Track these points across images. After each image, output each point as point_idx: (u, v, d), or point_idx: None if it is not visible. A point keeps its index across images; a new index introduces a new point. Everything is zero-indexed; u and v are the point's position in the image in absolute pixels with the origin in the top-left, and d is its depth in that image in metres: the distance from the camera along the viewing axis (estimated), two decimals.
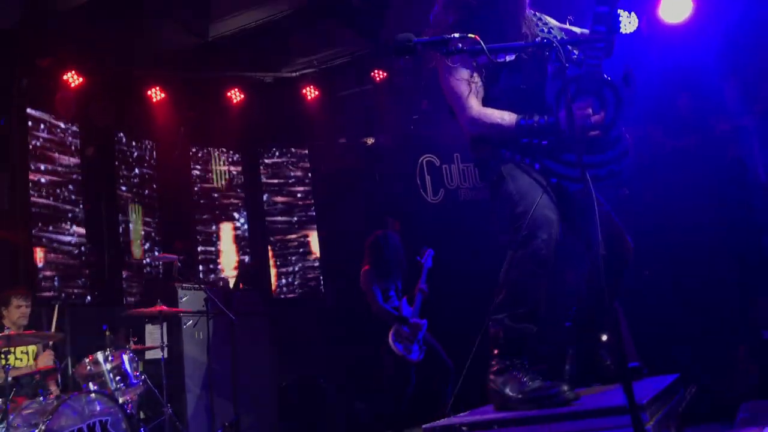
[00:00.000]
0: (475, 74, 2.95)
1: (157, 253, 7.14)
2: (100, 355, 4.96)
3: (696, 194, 6.63)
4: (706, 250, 6.47)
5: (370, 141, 8.95)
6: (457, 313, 7.02)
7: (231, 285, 7.77)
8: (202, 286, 6.17)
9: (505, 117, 2.86)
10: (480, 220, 8.06)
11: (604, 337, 2.98)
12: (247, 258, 8.20)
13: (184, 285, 6.00)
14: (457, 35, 2.44)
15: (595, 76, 2.80)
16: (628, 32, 6.71)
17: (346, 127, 8.46)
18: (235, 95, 7.87)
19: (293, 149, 8.85)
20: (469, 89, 2.95)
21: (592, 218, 2.33)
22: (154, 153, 7.95)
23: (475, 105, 2.93)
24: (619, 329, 2.15)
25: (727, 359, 5.85)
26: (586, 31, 3.04)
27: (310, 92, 7.94)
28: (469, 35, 2.41)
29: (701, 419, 3.94)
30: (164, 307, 5.26)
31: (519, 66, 2.93)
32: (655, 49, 6.80)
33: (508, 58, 2.63)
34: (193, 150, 8.24)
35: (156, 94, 7.51)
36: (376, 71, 7.79)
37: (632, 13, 6.64)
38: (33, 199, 6.46)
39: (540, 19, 3.12)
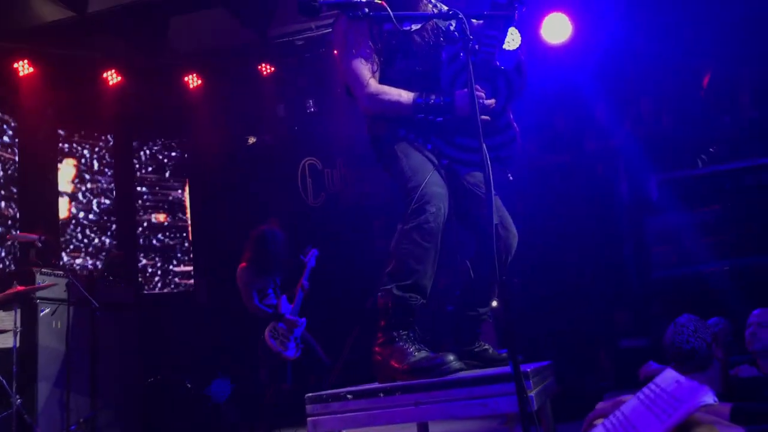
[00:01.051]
0: (374, 55, 2.95)
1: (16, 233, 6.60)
2: None
3: (567, 208, 6.95)
4: (576, 262, 6.80)
5: (252, 140, 8.77)
6: (335, 314, 6.98)
7: (96, 274, 7.31)
8: (64, 271, 5.73)
9: (403, 94, 2.87)
10: (360, 224, 8.09)
11: (494, 304, 3.04)
12: (114, 247, 7.76)
13: (43, 269, 5.55)
14: (363, 0, 2.42)
15: (489, 63, 2.87)
16: (511, 48, 6.97)
17: (228, 121, 8.23)
18: (112, 77, 7.47)
19: (171, 142, 8.51)
20: (368, 68, 2.94)
21: (488, 196, 2.36)
22: (16, 130, 7.38)
23: (373, 83, 2.93)
24: (507, 305, 2.16)
25: (589, 362, 6.14)
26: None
27: (193, 80, 7.67)
28: (376, 1, 2.39)
29: (568, 411, 4.08)
30: (20, 288, 4.84)
31: (414, 51, 2.96)
32: (534, 66, 7.09)
33: (413, 27, 2.62)
34: (62, 133, 7.73)
35: (24, 67, 7.00)
36: (263, 65, 7.64)
37: (516, 30, 6.90)
38: None
39: (435, 6, 3.17)
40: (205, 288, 8.29)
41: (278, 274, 5.89)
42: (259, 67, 7.66)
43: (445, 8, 3.16)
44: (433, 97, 2.84)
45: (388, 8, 2.41)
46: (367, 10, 2.44)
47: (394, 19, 2.41)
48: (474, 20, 2.88)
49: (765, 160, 6.40)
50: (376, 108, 2.92)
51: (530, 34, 6.92)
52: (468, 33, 2.39)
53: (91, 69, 7.42)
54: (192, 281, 8.47)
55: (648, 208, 6.74)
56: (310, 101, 8.14)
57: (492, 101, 2.87)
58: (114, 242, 7.95)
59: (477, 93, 2.66)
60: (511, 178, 3.04)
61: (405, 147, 2.92)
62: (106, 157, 8.09)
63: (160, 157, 8.48)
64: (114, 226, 8.04)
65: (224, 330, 7.54)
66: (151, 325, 7.24)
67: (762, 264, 6.04)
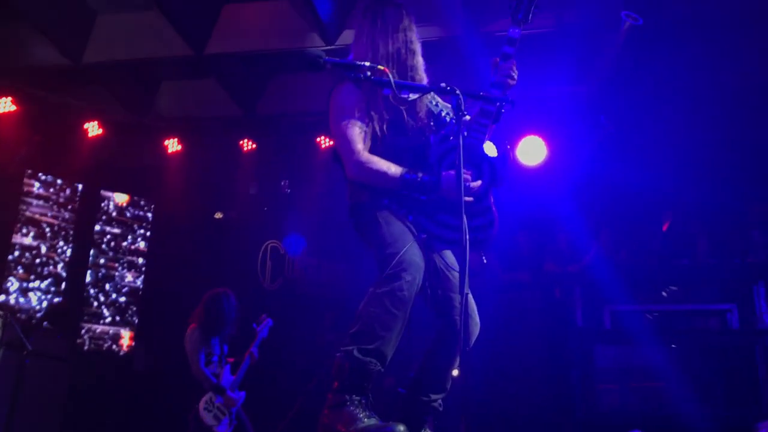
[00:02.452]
0: (368, 125, 3.01)
1: None
2: None
3: (521, 325, 6.98)
4: (527, 378, 6.75)
5: (219, 215, 8.75)
6: (273, 395, 6.76)
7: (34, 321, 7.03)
8: (3, 310, 5.51)
9: (392, 168, 2.92)
10: (312, 314, 7.98)
11: (455, 372, 2.98)
12: (60, 297, 7.50)
13: None
14: (367, 63, 2.51)
15: (476, 149, 2.99)
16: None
17: (200, 190, 8.22)
18: (93, 128, 7.48)
19: (141, 200, 8.44)
20: (360, 136, 2.99)
21: (462, 277, 2.39)
22: None
23: (364, 151, 2.97)
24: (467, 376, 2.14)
25: None
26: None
27: (173, 145, 7.71)
28: (379, 66, 2.49)
29: None
30: None
31: (406, 128, 3.05)
32: (508, 185, 7.30)
33: (411, 96, 2.71)
34: (29, 172, 7.63)
35: (5, 104, 6.98)
36: (245, 141, 7.74)
37: (493, 146, 7.14)
38: None
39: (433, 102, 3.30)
40: (143, 354, 8.00)
41: (226, 339, 5.75)
42: (241, 142, 7.75)
43: (440, 100, 3.29)
44: (421, 174, 2.90)
45: (390, 75, 2.50)
46: (369, 73, 2.52)
47: (393, 86, 2.49)
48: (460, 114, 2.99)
49: (718, 305, 6.57)
50: (363, 176, 2.95)
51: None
52: (463, 109, 2.48)
53: (75, 117, 7.44)
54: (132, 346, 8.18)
55: (600, 338, 6.79)
56: (285, 182, 8.20)
57: (478, 183, 2.97)
58: (62, 288, 7.71)
59: (463, 175, 2.76)
60: (485, 260, 3.08)
61: (387, 215, 2.95)
62: (71, 203, 7.97)
63: (128, 214, 8.39)
64: (65, 274, 7.82)
65: (157, 398, 7.22)
66: (83, 383, 6.91)
67: (708, 409, 6.07)
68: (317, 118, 7.38)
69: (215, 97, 7.22)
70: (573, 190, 6.93)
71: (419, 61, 3.12)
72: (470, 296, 3.03)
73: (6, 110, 7.03)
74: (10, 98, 7.03)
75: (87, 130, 7.49)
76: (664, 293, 7.01)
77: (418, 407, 3.00)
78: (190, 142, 7.84)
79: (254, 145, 7.77)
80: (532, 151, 7.12)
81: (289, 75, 7.19)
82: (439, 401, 3.03)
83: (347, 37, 6.08)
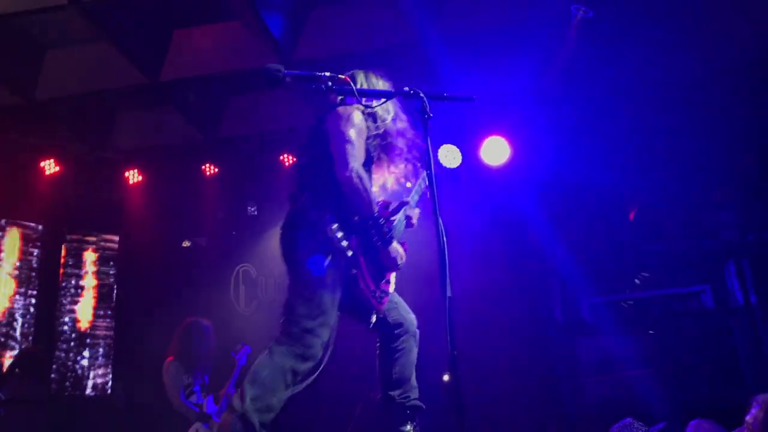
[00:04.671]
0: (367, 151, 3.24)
1: None
2: None
3: (504, 325, 6.99)
4: (514, 377, 6.76)
5: (187, 244, 8.62)
6: None
7: (5, 369, 6.81)
8: None
9: (373, 198, 3.15)
10: None
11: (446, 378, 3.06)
12: (30, 341, 7.29)
13: None
14: (327, 74, 2.47)
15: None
16: (452, 167, 7.21)
17: (165, 219, 8.08)
18: (50, 166, 7.32)
19: (103, 235, 8.26)
20: (362, 143, 3.16)
21: (443, 280, 2.42)
22: None
23: (359, 163, 3.12)
24: (458, 378, 2.12)
25: None
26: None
27: (134, 176, 7.58)
28: (340, 76, 2.46)
29: None
30: None
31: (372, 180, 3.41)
32: (475, 186, 7.34)
33: (375, 103, 2.69)
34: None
35: None
36: (207, 165, 7.64)
37: (458, 149, 7.16)
38: None
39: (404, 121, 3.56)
40: (122, 392, 7.81)
41: (206, 369, 5.64)
42: (203, 167, 7.65)
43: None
44: (383, 221, 3.18)
45: (352, 83, 2.48)
46: (330, 83, 2.50)
47: (356, 94, 2.46)
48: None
49: (692, 288, 6.65)
50: (352, 185, 3.06)
51: (471, 155, 7.18)
52: (428, 111, 2.47)
53: (30, 156, 7.26)
54: (109, 385, 7.98)
55: (581, 330, 6.82)
56: (252, 205, 8.11)
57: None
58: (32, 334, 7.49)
59: (402, 250, 3.31)
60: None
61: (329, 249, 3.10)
62: (33, 245, 7.77)
63: (91, 247, 8.20)
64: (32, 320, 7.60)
65: None
66: (63, 426, 6.71)
67: (692, 390, 6.13)
68: (279, 137, 7.33)
69: (174, 124, 7.12)
70: (539, 187, 6.98)
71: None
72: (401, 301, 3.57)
73: None
74: None
75: (44, 168, 7.33)
76: (637, 281, 7.08)
77: (390, 406, 3.36)
78: (152, 172, 7.71)
79: (217, 169, 7.67)
80: (495, 151, 7.15)
81: (248, 95, 7.13)
82: (405, 396, 3.38)
83: (302, 52, 6.05)
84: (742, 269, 6.54)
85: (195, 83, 6.69)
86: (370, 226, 3.11)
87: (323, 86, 2.51)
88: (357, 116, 3.12)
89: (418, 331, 3.65)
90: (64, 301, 7.86)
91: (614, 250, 7.09)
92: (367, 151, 3.23)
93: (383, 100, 2.85)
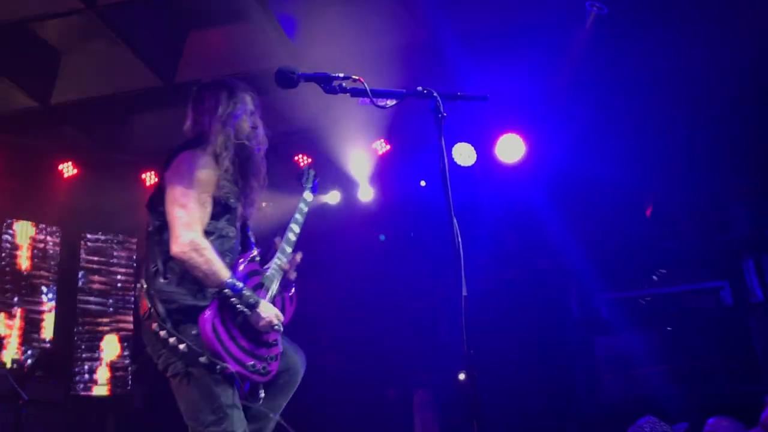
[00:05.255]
0: (210, 198, 2.96)
1: None
2: None
3: (521, 323, 6.98)
4: (525, 377, 6.74)
5: None
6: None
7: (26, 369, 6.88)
8: None
9: (217, 267, 2.84)
10: (308, 335, 7.92)
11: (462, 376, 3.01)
12: (49, 342, 7.36)
13: None
14: (341, 75, 2.48)
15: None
16: (467, 165, 7.20)
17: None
18: (68, 169, 7.39)
19: (121, 236, 8.33)
20: (201, 208, 2.91)
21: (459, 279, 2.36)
22: None
23: (197, 230, 2.87)
24: (474, 377, 2.13)
25: None
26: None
27: (150, 178, 7.63)
28: (353, 76, 2.47)
29: None
30: None
31: (234, 226, 3.07)
32: (490, 184, 7.32)
33: (389, 103, 2.69)
34: (8, 221, 7.50)
35: None
36: None
37: (472, 147, 7.16)
38: None
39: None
40: (141, 393, 7.88)
41: None
42: None
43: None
44: (241, 286, 2.88)
45: (365, 84, 2.48)
46: (344, 84, 2.51)
47: (370, 94, 2.47)
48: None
49: (709, 284, 6.62)
50: (187, 260, 2.83)
51: (485, 153, 7.16)
52: (442, 110, 2.47)
53: (48, 159, 7.34)
54: (129, 385, 8.05)
55: (598, 327, 6.81)
56: (268, 206, 8.13)
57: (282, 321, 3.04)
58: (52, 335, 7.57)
59: (273, 310, 2.96)
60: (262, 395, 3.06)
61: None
62: (52, 247, 7.85)
63: (108, 246, 8.26)
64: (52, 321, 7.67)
65: None
66: (83, 429, 6.78)
67: (710, 387, 6.09)
68: (293, 137, 7.35)
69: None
70: (554, 184, 6.95)
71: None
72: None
73: None
74: None
75: (62, 171, 7.40)
76: (654, 277, 7.05)
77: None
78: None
79: None
80: (510, 148, 7.12)
81: (262, 96, 7.15)
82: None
83: (316, 51, 6.06)
84: (761, 265, 6.49)
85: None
86: (225, 295, 2.81)
87: (336, 87, 2.52)
88: (200, 169, 2.92)
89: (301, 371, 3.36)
90: (83, 302, 7.93)
91: (630, 247, 7.06)
92: (220, 202, 2.98)
93: (395, 101, 2.79)
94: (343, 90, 2.52)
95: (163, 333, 2.79)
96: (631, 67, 6.27)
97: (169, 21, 6.08)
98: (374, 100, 2.55)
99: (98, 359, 7.88)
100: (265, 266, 3.20)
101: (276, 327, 2.95)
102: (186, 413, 2.88)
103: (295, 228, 3.40)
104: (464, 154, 7.16)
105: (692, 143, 6.63)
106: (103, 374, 7.85)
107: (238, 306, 2.82)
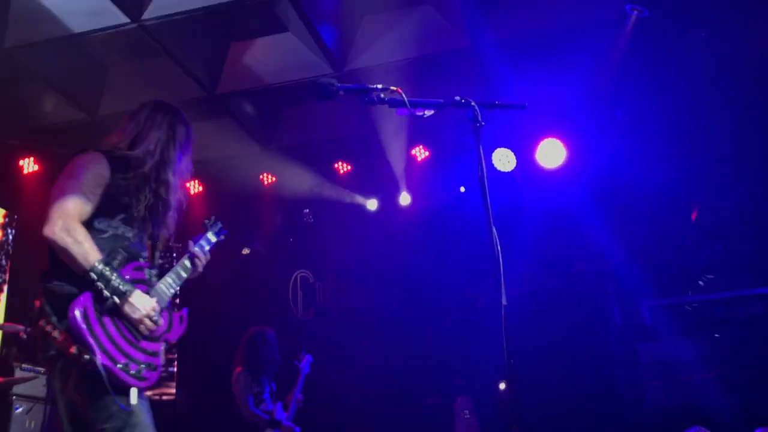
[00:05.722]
0: (98, 192, 2.85)
1: None
2: None
3: (561, 329, 6.92)
4: (565, 384, 6.69)
5: (246, 251, 8.79)
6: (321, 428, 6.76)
7: None
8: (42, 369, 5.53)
9: (88, 249, 2.71)
10: (348, 340, 7.98)
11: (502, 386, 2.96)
12: None
13: (24, 364, 5.37)
14: (380, 86, 2.51)
15: (168, 297, 3.02)
16: (507, 171, 7.18)
17: (225, 228, 8.25)
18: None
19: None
20: (83, 198, 2.79)
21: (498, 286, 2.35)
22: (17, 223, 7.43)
23: (73, 217, 2.75)
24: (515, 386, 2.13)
25: None
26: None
27: (194, 187, 7.78)
28: (391, 87, 2.49)
29: None
30: None
31: (132, 227, 2.95)
32: (530, 190, 7.29)
33: (427, 113, 2.69)
34: None
35: (29, 165, 7.11)
36: (265, 174, 7.79)
37: (512, 153, 7.14)
38: None
39: None
40: (186, 398, 8.02)
41: (272, 376, 5.75)
42: (261, 176, 7.81)
43: None
44: (110, 271, 2.72)
45: (403, 94, 2.50)
46: (382, 95, 2.53)
47: (408, 105, 2.48)
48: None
49: (759, 290, 6.45)
50: (57, 239, 2.70)
51: (525, 158, 7.14)
52: (480, 119, 2.47)
53: None
54: (174, 390, 8.20)
55: (641, 334, 6.70)
56: (309, 213, 8.24)
57: (160, 322, 2.87)
58: None
59: (151, 304, 2.80)
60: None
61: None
62: None
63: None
64: None
65: None
66: None
67: (760, 397, 5.94)
68: (332, 145, 7.43)
69: (232, 135, 7.27)
70: (595, 188, 6.89)
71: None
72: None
73: (30, 170, 7.16)
74: (32, 158, 7.16)
75: None
76: (701, 282, 6.91)
77: None
78: (210, 183, 7.90)
79: (274, 178, 7.82)
80: (551, 153, 7.09)
81: (302, 105, 7.25)
82: None
83: (355, 62, 6.12)
84: None
85: (251, 95, 6.84)
86: (91, 280, 2.66)
87: (375, 98, 2.54)
88: (92, 163, 2.85)
89: None
90: None
91: (675, 252, 6.94)
92: (112, 198, 2.88)
93: (434, 110, 2.79)
94: (382, 101, 2.54)
95: (48, 328, 2.66)
96: (674, 69, 6.19)
97: (211, 33, 6.20)
98: (412, 110, 2.56)
99: None
100: (155, 282, 3.02)
101: (154, 319, 2.79)
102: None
103: (195, 259, 3.24)
104: (504, 159, 7.15)
105: (739, 144, 6.50)
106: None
107: (105, 292, 2.66)
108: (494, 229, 2.45)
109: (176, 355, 8.37)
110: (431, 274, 7.59)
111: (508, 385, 2.29)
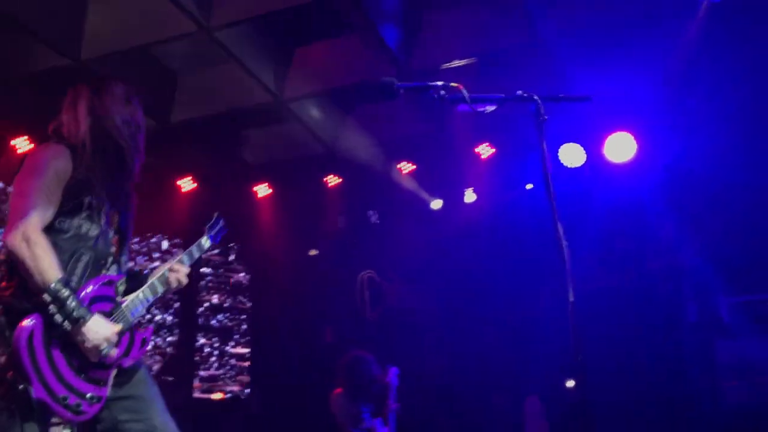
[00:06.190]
0: (59, 190, 2.69)
1: None
2: None
3: (632, 325, 6.75)
4: (642, 379, 6.52)
5: (314, 252, 8.91)
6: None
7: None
8: None
9: (48, 264, 2.52)
10: (416, 339, 7.97)
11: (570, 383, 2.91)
12: (170, 348, 7.80)
13: None
14: (440, 83, 2.49)
15: (129, 320, 2.78)
16: (574, 166, 7.04)
17: (292, 230, 8.41)
18: (186, 184, 7.79)
19: (235, 245, 8.72)
20: (45, 200, 2.62)
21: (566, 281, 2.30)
22: None
23: (34, 222, 2.57)
24: (583, 384, 2.09)
25: None
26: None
27: (263, 190, 7.93)
28: (452, 84, 2.47)
29: None
30: None
31: (96, 223, 2.78)
32: (599, 185, 7.13)
33: (488, 108, 2.65)
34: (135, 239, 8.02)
35: None
36: (329, 176, 7.88)
37: (580, 147, 7.00)
38: None
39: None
40: (259, 396, 8.18)
41: (371, 397, 5.82)
42: (325, 179, 7.90)
43: None
44: (67, 294, 2.50)
45: (463, 90, 2.47)
46: (443, 92, 2.51)
47: (468, 101, 2.45)
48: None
49: None
50: (15, 253, 2.53)
51: (594, 153, 6.98)
52: (543, 113, 2.42)
53: (168, 175, 7.76)
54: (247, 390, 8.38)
55: (719, 331, 6.47)
56: (373, 213, 8.29)
57: (114, 351, 2.62)
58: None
59: (110, 331, 2.57)
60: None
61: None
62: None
63: (224, 260, 8.67)
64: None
65: None
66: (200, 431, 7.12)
67: None
68: (396, 145, 7.45)
69: (298, 138, 7.39)
70: (668, 183, 6.70)
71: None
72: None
73: None
74: None
75: (180, 186, 7.81)
76: None
77: None
78: (278, 185, 8.04)
79: (339, 180, 7.90)
80: (620, 147, 6.92)
81: (366, 106, 7.30)
82: None
83: (418, 60, 6.12)
84: None
85: (316, 97, 6.93)
86: (43, 302, 2.46)
87: (436, 95, 2.52)
88: (50, 159, 2.68)
89: None
90: (202, 312, 8.36)
91: (755, 248, 6.66)
92: (75, 196, 2.70)
93: (495, 105, 2.74)
94: (442, 98, 2.52)
95: None
96: (749, 56, 5.95)
97: (277, 38, 6.31)
98: (473, 106, 2.53)
99: (217, 365, 8.25)
100: (124, 298, 2.81)
101: (104, 351, 2.54)
102: None
103: (172, 275, 2.97)
104: (572, 154, 7.01)
105: None
106: (221, 380, 8.21)
107: (56, 317, 2.44)
108: (560, 225, 2.40)
109: (249, 355, 8.57)
110: (497, 273, 7.52)
111: (576, 383, 2.25)
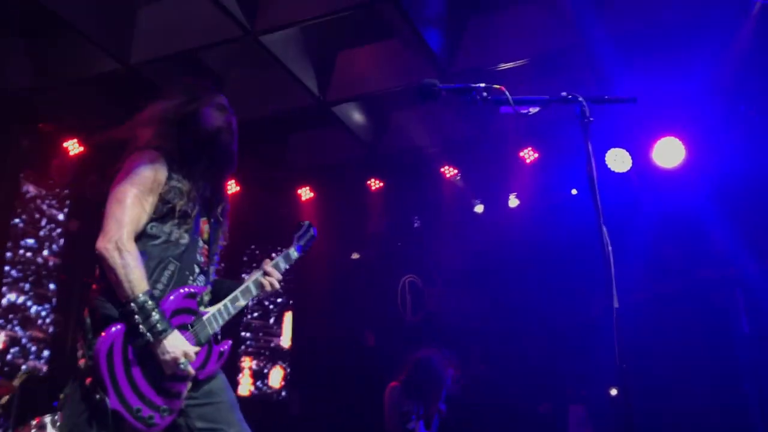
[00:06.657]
0: (153, 197, 2.72)
1: None
2: (47, 418, 4.58)
3: (681, 336, 6.59)
4: (693, 391, 6.36)
5: (356, 256, 8.93)
6: None
7: None
8: None
9: (136, 276, 2.56)
10: (457, 345, 7.92)
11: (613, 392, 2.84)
12: None
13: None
14: (482, 85, 2.47)
15: (212, 329, 2.77)
16: (621, 171, 6.92)
17: (336, 233, 8.44)
18: (231, 187, 7.89)
19: (279, 246, 8.78)
20: (139, 207, 2.66)
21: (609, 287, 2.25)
22: None
23: (127, 231, 2.61)
24: (627, 392, 2.03)
25: None
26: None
27: (306, 193, 7.98)
28: (495, 86, 2.44)
29: None
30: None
31: (190, 243, 2.79)
32: (647, 191, 6.99)
33: (532, 110, 2.61)
34: None
35: None
36: (372, 180, 7.88)
37: (627, 153, 6.87)
38: None
39: None
40: (298, 398, 8.23)
41: (428, 398, 5.73)
42: (368, 182, 7.91)
43: None
44: (152, 306, 2.54)
45: (506, 92, 2.44)
46: (485, 94, 2.48)
47: (512, 103, 2.42)
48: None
49: None
50: (105, 260, 2.58)
51: (642, 158, 6.85)
52: (588, 115, 2.38)
53: None
54: (284, 391, 8.44)
55: None
56: (416, 217, 8.28)
57: (186, 371, 2.61)
58: None
59: (189, 350, 2.57)
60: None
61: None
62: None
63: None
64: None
65: None
66: None
67: None
68: (438, 149, 7.42)
69: (341, 142, 7.42)
70: (718, 188, 6.52)
71: None
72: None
73: None
74: None
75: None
76: None
77: None
78: (321, 188, 8.08)
79: (381, 184, 7.90)
80: (669, 152, 6.77)
81: (408, 110, 7.29)
82: None
83: (461, 63, 6.09)
84: None
85: (359, 101, 6.95)
86: (130, 312, 2.50)
87: (478, 97, 2.49)
88: (145, 165, 2.68)
89: None
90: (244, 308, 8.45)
91: None
92: (167, 202, 2.73)
93: (539, 108, 2.69)
94: (485, 100, 2.49)
95: (80, 344, 2.59)
96: None
97: (320, 41, 6.35)
98: (516, 108, 2.49)
99: (258, 366, 8.32)
100: (206, 309, 2.83)
101: (182, 366, 2.55)
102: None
103: (264, 281, 3.01)
104: (619, 159, 6.89)
105: None
106: (259, 381, 8.28)
107: (141, 328, 2.49)
108: (605, 230, 2.35)
109: (289, 357, 8.62)
110: (540, 278, 7.42)
111: (620, 392, 2.19)
